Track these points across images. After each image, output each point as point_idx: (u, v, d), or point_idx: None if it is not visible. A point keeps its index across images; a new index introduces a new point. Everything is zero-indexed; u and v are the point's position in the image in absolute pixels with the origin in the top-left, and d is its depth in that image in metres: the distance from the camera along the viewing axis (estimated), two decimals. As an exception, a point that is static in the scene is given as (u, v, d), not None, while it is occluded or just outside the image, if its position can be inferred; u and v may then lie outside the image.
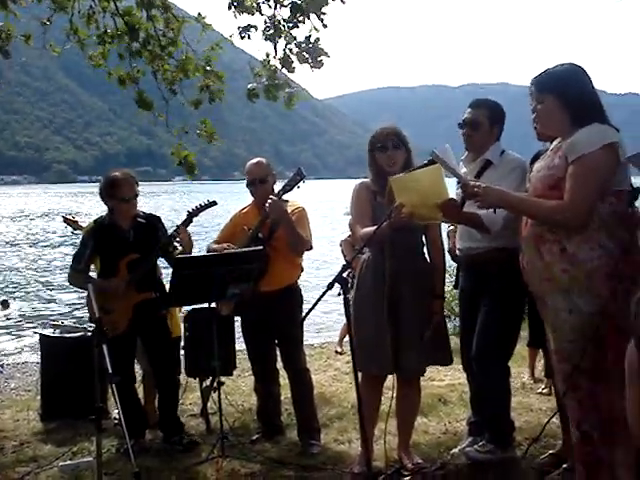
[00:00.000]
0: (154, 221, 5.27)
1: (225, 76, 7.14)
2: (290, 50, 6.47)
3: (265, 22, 6.42)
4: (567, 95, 3.39)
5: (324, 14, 6.23)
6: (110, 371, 3.54)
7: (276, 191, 4.96)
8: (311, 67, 6.55)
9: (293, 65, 6.49)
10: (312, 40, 6.36)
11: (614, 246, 3.25)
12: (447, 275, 4.61)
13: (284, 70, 6.57)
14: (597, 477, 3.39)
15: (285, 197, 4.94)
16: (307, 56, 6.40)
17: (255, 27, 6.46)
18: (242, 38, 6.45)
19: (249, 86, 6.78)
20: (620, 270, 3.21)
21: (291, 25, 6.36)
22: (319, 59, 6.41)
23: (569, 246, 3.31)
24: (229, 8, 6.43)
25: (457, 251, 4.59)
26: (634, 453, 3.21)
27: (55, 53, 7.28)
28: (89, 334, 5.79)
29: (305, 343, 5.31)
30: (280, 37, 6.43)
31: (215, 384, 4.98)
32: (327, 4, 6.18)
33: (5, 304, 5.82)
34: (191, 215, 5.12)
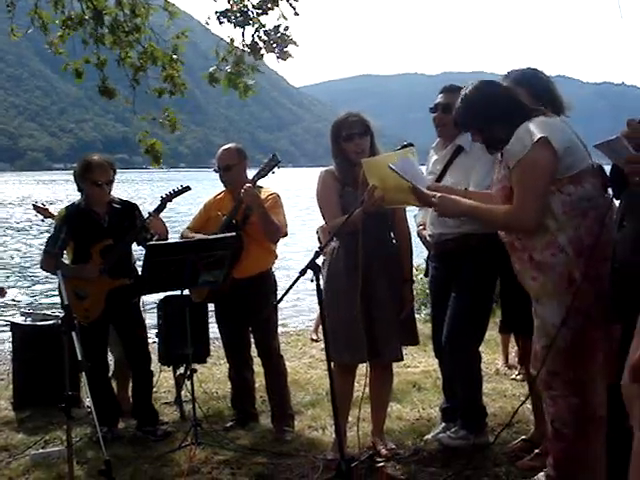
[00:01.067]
0: (130, 208, 5.22)
1: (181, 69, 7.04)
2: (259, 37, 6.41)
3: (232, 7, 6.35)
4: (481, 125, 3.51)
5: (296, 0, 6.19)
6: (80, 358, 3.51)
7: (251, 177, 4.92)
8: (277, 58, 6.50)
9: (261, 52, 6.43)
10: (281, 29, 6.32)
11: (573, 248, 3.27)
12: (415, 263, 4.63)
13: (252, 57, 6.51)
14: (568, 472, 3.43)
15: (260, 183, 4.91)
16: (274, 46, 6.35)
17: (232, 12, 6.40)
18: (220, 24, 6.38)
19: (210, 70, 6.71)
20: (582, 272, 3.23)
21: (260, 12, 6.30)
22: (285, 50, 6.37)
23: (535, 254, 3.36)
24: None
25: (427, 237, 4.57)
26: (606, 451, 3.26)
27: (14, 38, 7.15)
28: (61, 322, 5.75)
29: (281, 330, 5.31)
30: (248, 24, 6.37)
31: (188, 372, 4.97)
32: None
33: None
34: (165, 200, 5.08)
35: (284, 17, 6.31)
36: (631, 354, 2.43)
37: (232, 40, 6.54)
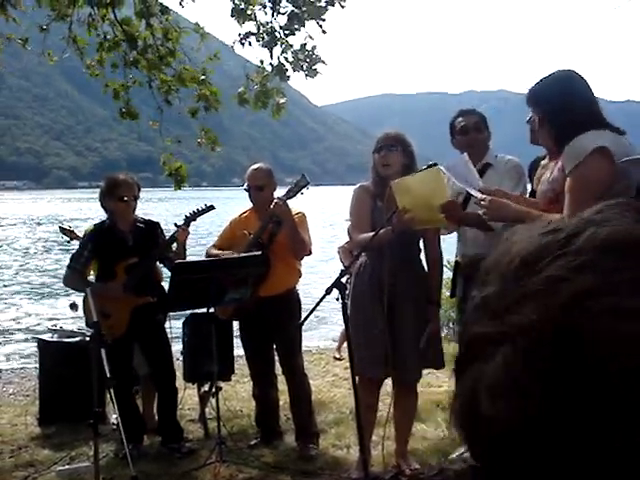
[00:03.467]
0: (153, 226, 5.28)
1: (219, 93, 7.10)
2: (285, 58, 6.48)
3: (258, 29, 6.43)
4: (555, 109, 3.39)
5: (323, 20, 6.26)
6: (108, 375, 3.54)
7: (279, 196, 4.97)
8: (306, 76, 6.57)
9: (287, 73, 6.51)
10: (308, 48, 6.39)
11: None
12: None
13: (278, 79, 6.59)
14: None
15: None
16: (302, 64, 6.41)
17: (255, 35, 6.48)
18: (242, 45, 6.47)
19: (239, 90, 6.78)
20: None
21: (288, 32, 6.38)
22: (314, 68, 6.43)
23: None
24: (232, 16, 6.45)
25: (459, 258, 4.58)
26: None
27: (51, 62, 7.28)
28: (87, 339, 5.79)
29: (304, 349, 5.31)
30: (276, 45, 6.45)
31: (213, 389, 4.99)
32: (327, 11, 6.21)
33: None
34: (189, 219, 5.13)
35: (310, 37, 6.38)
36: None
37: (262, 61, 6.61)
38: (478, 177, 3.93)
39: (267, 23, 6.40)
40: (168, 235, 5.21)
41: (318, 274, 14.40)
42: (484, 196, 3.54)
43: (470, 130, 4.45)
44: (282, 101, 6.76)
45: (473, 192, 3.61)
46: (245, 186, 5.14)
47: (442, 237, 4.50)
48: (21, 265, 23.54)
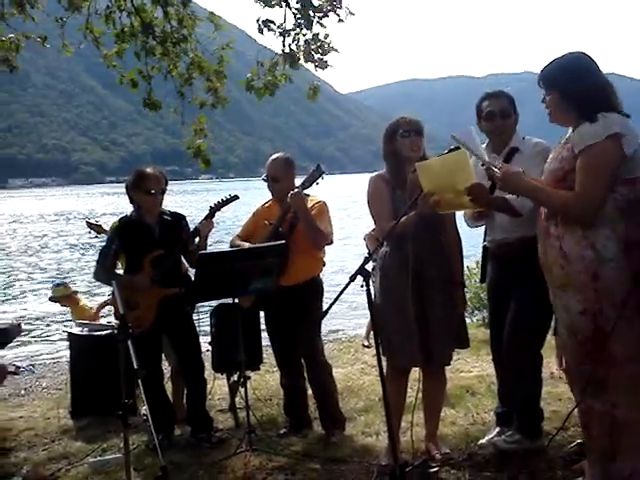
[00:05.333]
0: (179, 219, 5.30)
1: (226, 79, 7.09)
2: (297, 46, 6.44)
3: (294, 14, 6.39)
4: (569, 89, 3.41)
5: (340, 8, 6.22)
6: (136, 367, 3.57)
7: (296, 187, 4.96)
8: (316, 67, 6.53)
9: (299, 62, 6.47)
10: (321, 37, 6.35)
11: (612, 245, 3.26)
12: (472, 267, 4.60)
13: (302, 63, 6.55)
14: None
15: (306, 192, 4.94)
16: (314, 55, 6.37)
17: (273, 22, 6.44)
18: (260, 32, 6.44)
19: (247, 76, 6.76)
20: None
21: (321, 15, 6.32)
22: (325, 60, 6.39)
23: (564, 244, 3.34)
24: (256, 1, 6.41)
25: (487, 243, 4.55)
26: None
27: (68, 54, 7.31)
28: (116, 331, 5.85)
29: (333, 337, 5.31)
30: (289, 34, 6.41)
31: (242, 379, 5.00)
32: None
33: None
34: (213, 210, 5.14)
35: (322, 25, 6.35)
36: None
37: (283, 45, 6.57)
38: (483, 150, 3.97)
39: (302, 8, 6.33)
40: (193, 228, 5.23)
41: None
42: (497, 163, 3.58)
43: (496, 117, 4.39)
44: (317, 83, 6.74)
45: (486, 159, 3.65)
46: (263, 176, 5.15)
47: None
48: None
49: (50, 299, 8.68)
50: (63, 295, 8.33)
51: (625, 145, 3.25)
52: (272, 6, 6.45)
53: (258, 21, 6.40)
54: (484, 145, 4.50)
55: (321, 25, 6.33)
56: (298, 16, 6.40)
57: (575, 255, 3.33)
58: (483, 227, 4.58)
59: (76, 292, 8.64)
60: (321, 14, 6.36)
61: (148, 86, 7.10)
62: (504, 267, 4.42)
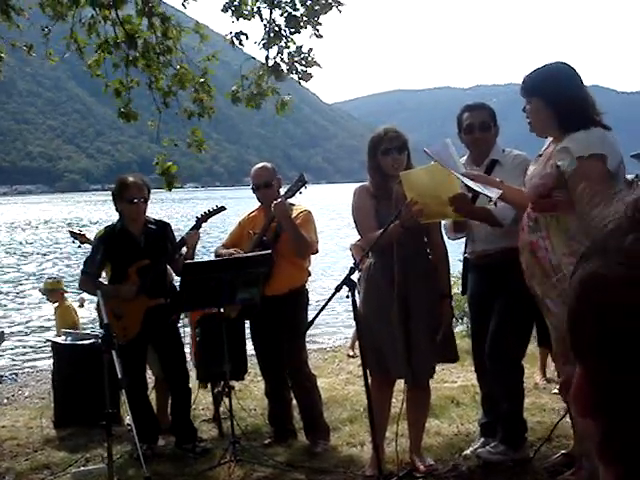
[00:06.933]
0: (164, 227, 5.29)
1: (213, 100, 7.06)
2: (281, 59, 6.45)
3: (265, 27, 6.40)
4: (551, 97, 3.43)
5: (319, 24, 6.23)
6: (120, 376, 3.56)
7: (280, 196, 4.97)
8: (299, 79, 6.54)
9: (283, 74, 6.48)
10: (304, 50, 6.36)
11: None
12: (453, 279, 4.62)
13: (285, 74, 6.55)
14: None
15: (292, 200, 4.95)
16: (298, 67, 6.38)
17: (245, 35, 6.44)
18: (232, 45, 6.43)
19: (232, 88, 6.75)
20: None
21: (293, 31, 6.34)
22: (308, 72, 6.40)
23: (551, 256, 3.38)
24: (224, 11, 6.42)
25: (467, 254, 4.58)
26: None
27: (52, 62, 7.28)
28: (100, 341, 5.83)
29: (317, 347, 5.31)
30: (276, 44, 6.41)
31: (226, 389, 4.99)
32: (325, 13, 6.18)
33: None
34: (200, 221, 5.14)
35: (292, 41, 6.39)
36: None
37: (267, 58, 6.56)
38: (460, 163, 3.99)
39: (272, 22, 6.36)
40: (179, 237, 5.23)
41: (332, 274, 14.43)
42: (471, 171, 3.60)
43: (475, 129, 4.42)
44: (287, 98, 6.73)
45: (460, 172, 3.68)
46: (252, 186, 5.15)
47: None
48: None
49: (40, 290, 8.66)
50: (54, 288, 8.25)
51: (611, 165, 3.28)
52: (247, 18, 6.46)
53: (231, 34, 6.40)
54: (464, 157, 4.52)
55: (292, 41, 6.35)
56: (274, 28, 6.40)
57: (564, 265, 3.34)
58: (463, 239, 4.61)
59: (66, 291, 8.58)
60: (293, 29, 6.37)
61: (126, 96, 7.05)
62: (485, 279, 4.44)
